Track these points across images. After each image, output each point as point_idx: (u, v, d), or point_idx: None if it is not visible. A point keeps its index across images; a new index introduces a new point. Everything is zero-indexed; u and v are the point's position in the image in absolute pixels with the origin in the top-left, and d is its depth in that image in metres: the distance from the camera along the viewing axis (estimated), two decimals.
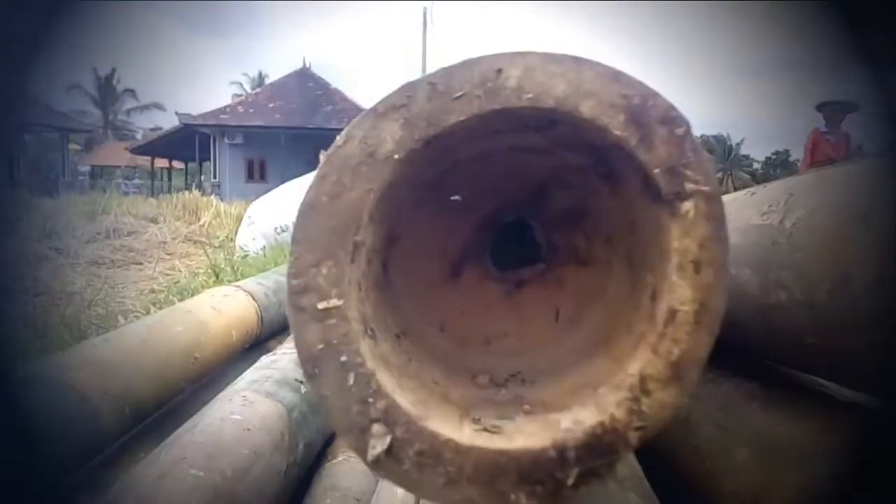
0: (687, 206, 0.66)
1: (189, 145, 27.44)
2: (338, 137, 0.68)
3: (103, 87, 45.16)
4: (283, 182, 10.81)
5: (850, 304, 0.82)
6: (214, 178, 26.20)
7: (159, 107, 46.77)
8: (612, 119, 0.67)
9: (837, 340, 0.88)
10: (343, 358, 0.65)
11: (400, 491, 0.98)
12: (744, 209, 1.09)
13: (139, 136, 41.37)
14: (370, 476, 1.55)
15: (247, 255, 7.28)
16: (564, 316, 0.96)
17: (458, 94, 0.67)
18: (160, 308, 3.93)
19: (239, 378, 1.72)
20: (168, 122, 36.49)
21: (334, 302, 0.65)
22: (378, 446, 0.64)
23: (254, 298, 2.71)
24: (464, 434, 0.66)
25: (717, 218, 0.66)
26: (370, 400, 0.65)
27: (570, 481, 0.64)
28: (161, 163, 35.42)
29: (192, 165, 33.18)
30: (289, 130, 24.32)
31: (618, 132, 0.67)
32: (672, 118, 0.67)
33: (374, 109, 0.68)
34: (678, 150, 0.66)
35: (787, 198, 0.98)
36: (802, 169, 7.45)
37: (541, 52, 0.68)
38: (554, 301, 0.98)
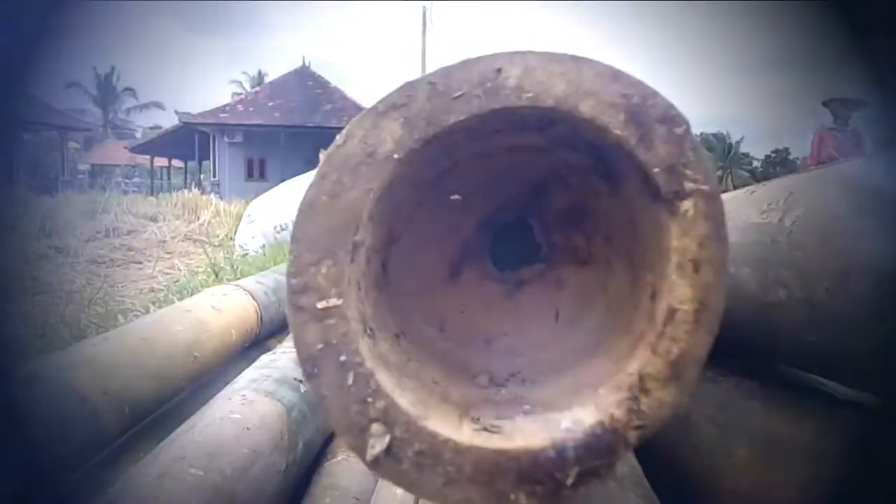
0: (686, 205, 0.66)
1: (189, 144, 27.43)
2: (338, 137, 0.68)
3: (103, 85, 45.13)
4: (282, 181, 10.79)
5: (850, 302, 0.82)
6: (214, 176, 26.19)
7: (159, 105, 46.81)
8: (611, 118, 0.67)
9: (837, 338, 0.88)
10: (342, 357, 0.65)
11: (399, 490, 0.98)
12: (743, 207, 1.09)
13: (139, 135, 41.39)
14: (370, 475, 1.55)
15: (246, 254, 7.27)
16: (564, 316, 0.96)
17: (457, 94, 0.67)
18: (160, 307, 3.93)
19: (238, 377, 1.72)
20: (168, 120, 36.47)
21: (334, 301, 0.65)
22: (377, 446, 0.64)
23: (253, 297, 2.71)
24: (463, 434, 0.66)
25: (716, 217, 0.66)
26: (369, 400, 0.65)
27: (570, 481, 0.64)
28: (161, 161, 35.42)
29: (192, 164, 33.14)
30: (288, 129, 24.30)
31: (617, 131, 0.67)
32: (671, 117, 0.67)
33: (374, 109, 0.68)
34: (677, 150, 0.66)
35: (787, 196, 0.98)
36: (808, 166, 7.38)
37: (540, 51, 0.68)
38: (554, 301, 0.98)
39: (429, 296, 0.99)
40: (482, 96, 0.67)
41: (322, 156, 0.68)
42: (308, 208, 0.67)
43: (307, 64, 27.94)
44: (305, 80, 26.87)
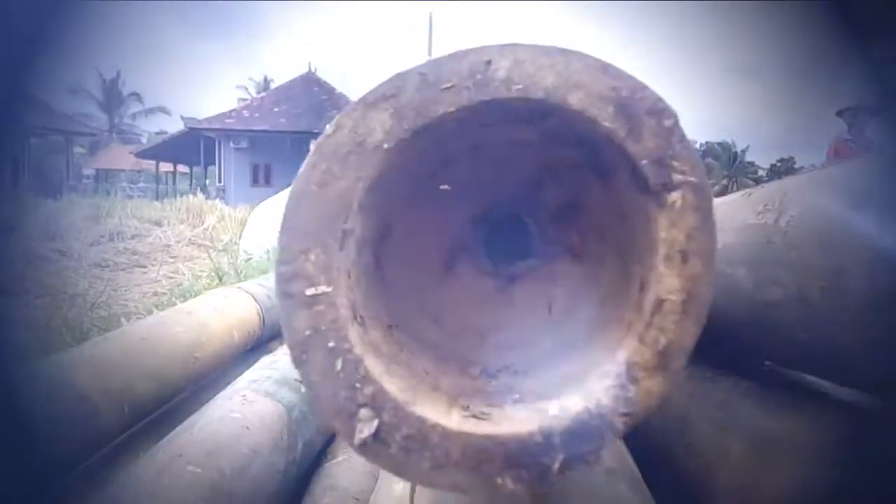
0: (674, 196, 0.67)
1: (194, 149, 27.44)
2: (328, 126, 0.69)
3: (109, 90, 45.16)
4: (287, 186, 10.75)
5: (843, 300, 0.83)
6: (219, 182, 26.21)
7: (164, 111, 46.78)
8: (600, 110, 0.68)
9: (829, 335, 0.89)
10: (331, 344, 0.66)
11: (397, 489, 0.98)
12: (740, 210, 1.10)
13: (144, 140, 41.40)
14: (369, 476, 1.55)
15: (250, 259, 7.27)
16: (557, 310, 0.96)
17: (447, 85, 0.68)
18: (162, 310, 3.93)
19: (239, 378, 1.72)
20: (173, 126, 36.56)
21: (323, 289, 0.66)
22: (365, 430, 0.65)
23: (255, 299, 2.71)
24: (452, 420, 0.66)
25: (704, 208, 0.67)
26: (358, 385, 0.65)
27: (556, 466, 0.64)
28: (166, 167, 35.41)
29: (197, 169, 33.14)
30: (294, 135, 24.29)
31: (606, 123, 0.67)
32: (660, 110, 0.67)
33: (363, 99, 0.69)
34: (666, 142, 0.67)
35: (783, 197, 0.98)
36: None
37: (530, 44, 0.69)
38: (547, 295, 0.98)
39: (422, 289, 0.99)
40: (472, 88, 0.68)
41: (312, 145, 0.69)
42: (298, 197, 0.68)
43: (313, 70, 27.98)
44: (311, 86, 26.88)
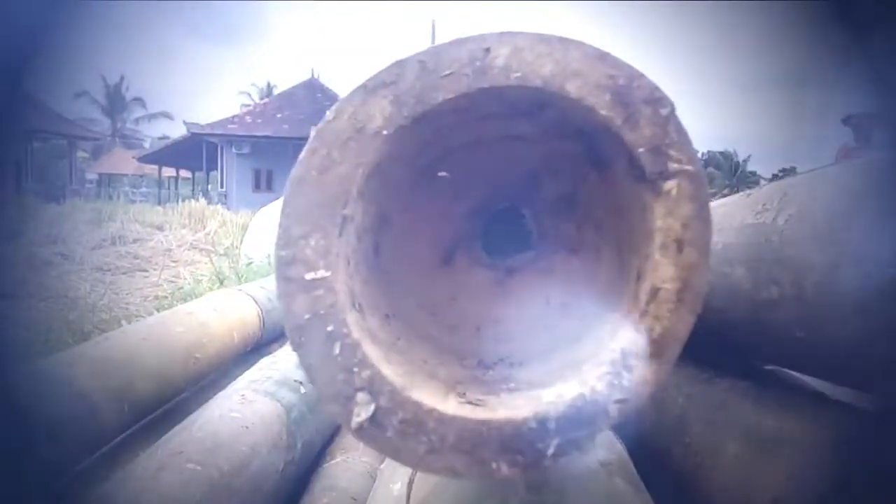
0: (670, 185, 0.67)
1: (196, 154, 27.47)
2: (328, 112, 0.69)
3: (112, 95, 45.19)
4: None
5: (837, 296, 0.83)
6: (221, 187, 26.24)
7: (167, 116, 46.78)
8: (598, 99, 0.68)
9: (825, 333, 0.89)
10: (329, 328, 0.66)
11: (395, 489, 0.99)
12: (739, 210, 1.10)
13: (147, 145, 41.45)
14: (368, 477, 1.56)
15: (251, 263, 7.28)
16: (555, 303, 0.96)
17: (446, 72, 0.69)
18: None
19: (239, 378, 1.72)
20: (176, 131, 36.52)
21: (321, 273, 0.66)
22: (362, 414, 0.65)
23: (256, 302, 2.72)
24: (448, 405, 0.67)
25: (700, 198, 0.67)
26: (355, 369, 0.66)
27: (551, 451, 0.64)
28: (168, 172, 35.43)
29: (200, 174, 33.18)
30: (296, 141, 24.27)
31: (603, 112, 0.68)
32: (657, 99, 0.68)
33: (363, 86, 0.69)
34: (662, 130, 0.67)
35: (781, 197, 0.99)
36: None
37: (529, 32, 0.70)
38: (544, 288, 0.98)
39: (420, 281, 1.00)
40: (471, 75, 0.68)
41: (313, 131, 0.69)
42: (298, 182, 0.68)
43: (316, 76, 28.03)
44: (314, 92, 26.91)
